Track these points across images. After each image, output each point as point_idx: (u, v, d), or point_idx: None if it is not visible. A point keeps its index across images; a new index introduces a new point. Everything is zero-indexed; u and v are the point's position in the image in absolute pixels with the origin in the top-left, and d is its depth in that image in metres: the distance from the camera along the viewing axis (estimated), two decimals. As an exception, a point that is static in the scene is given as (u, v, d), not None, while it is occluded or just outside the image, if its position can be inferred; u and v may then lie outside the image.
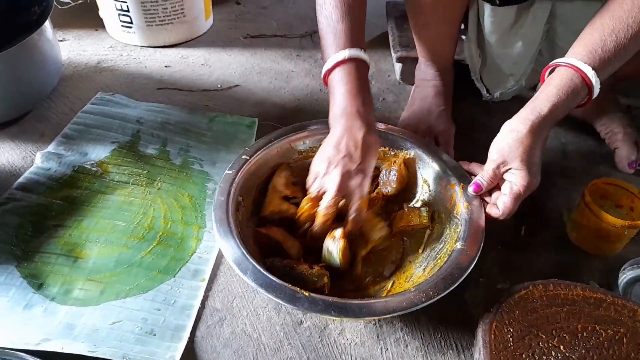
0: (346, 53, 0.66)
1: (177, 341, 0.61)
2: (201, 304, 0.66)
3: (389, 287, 0.65)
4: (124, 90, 1.01)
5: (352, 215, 0.64)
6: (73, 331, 0.61)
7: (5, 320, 0.62)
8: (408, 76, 1.04)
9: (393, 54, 1.04)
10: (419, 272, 0.65)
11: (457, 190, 0.69)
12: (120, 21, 1.11)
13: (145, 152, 0.87)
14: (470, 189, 0.67)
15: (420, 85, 0.94)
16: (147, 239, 0.73)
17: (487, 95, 0.90)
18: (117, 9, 1.09)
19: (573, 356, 0.54)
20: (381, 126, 0.77)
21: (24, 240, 0.71)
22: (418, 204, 0.73)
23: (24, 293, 0.65)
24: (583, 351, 0.55)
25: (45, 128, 0.91)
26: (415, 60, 0.99)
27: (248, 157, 0.70)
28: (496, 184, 0.66)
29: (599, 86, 0.60)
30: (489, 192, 0.67)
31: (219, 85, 1.04)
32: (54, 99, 0.98)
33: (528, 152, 0.61)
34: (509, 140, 0.62)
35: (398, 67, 1.06)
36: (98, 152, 0.86)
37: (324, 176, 0.64)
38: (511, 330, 0.56)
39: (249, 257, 0.58)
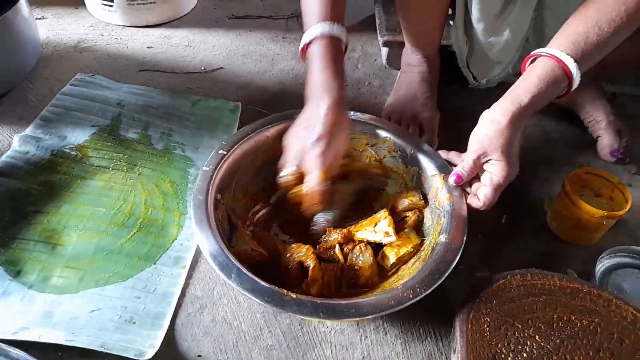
0: (319, 28, 0.64)
1: (157, 329, 0.61)
2: (182, 291, 0.65)
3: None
4: (104, 71, 0.98)
5: (305, 187, 0.62)
6: (51, 319, 0.61)
7: (-19, 308, 0.61)
8: (394, 60, 1.03)
9: (379, 38, 1.03)
10: (405, 266, 0.65)
11: (439, 181, 0.68)
12: (101, 0, 1.08)
13: (126, 137, 0.86)
14: (451, 179, 0.66)
15: (406, 70, 0.93)
16: (127, 225, 0.72)
17: (474, 82, 0.89)
18: (97, -13, 1.06)
19: (548, 346, 0.55)
20: (363, 116, 0.76)
21: (2, 226, 0.70)
22: (405, 202, 0.72)
23: (1, 281, 0.64)
24: (558, 341, 0.55)
25: (24, 110, 0.89)
26: (402, 44, 0.97)
27: (225, 152, 0.69)
28: (476, 174, 0.66)
29: (580, 78, 0.60)
30: (469, 183, 0.67)
31: (202, 68, 1.02)
32: (32, 80, 0.95)
33: (508, 144, 0.61)
34: (489, 131, 0.62)
35: (384, 51, 1.04)
36: (77, 136, 0.84)
37: (286, 152, 0.65)
38: (488, 320, 0.57)
39: (232, 259, 0.57)
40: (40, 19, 1.11)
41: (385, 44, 1.01)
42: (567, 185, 0.70)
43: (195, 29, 1.14)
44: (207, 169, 0.66)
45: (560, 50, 0.59)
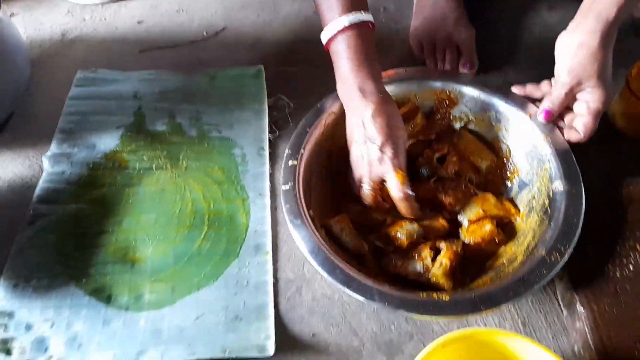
0: (345, 20, 0.59)
1: (265, 320, 0.62)
2: (274, 278, 0.66)
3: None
4: (103, 61, 0.91)
5: (395, 197, 0.61)
6: (161, 336, 0.62)
7: (90, 343, 0.61)
8: (405, -24, 0.95)
9: (385, -45, 0.94)
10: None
11: (526, 120, 0.65)
12: (70, -20, 0.97)
13: (155, 130, 0.81)
14: (540, 117, 0.63)
15: (424, -12, 0.86)
16: (195, 225, 0.71)
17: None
18: (63, -32, 0.94)
19: (650, 253, 0.57)
20: (407, 71, 0.72)
21: (71, 256, 0.69)
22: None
23: (96, 310, 0.64)
24: (658, 246, 0.57)
25: (37, 127, 0.83)
26: (411, -42, 0.90)
27: (296, 162, 0.65)
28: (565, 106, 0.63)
29: None
30: (560, 116, 0.64)
31: (204, 33, 0.95)
32: (32, 91, 0.88)
33: (603, 67, 0.57)
34: (581, 57, 0.58)
35: (392, -32, 0.96)
36: (107, 142, 0.80)
37: (357, 174, 0.64)
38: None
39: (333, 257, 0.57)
40: (11, 16, 1.01)
41: (393, -39, 0.92)
42: (633, 82, 0.68)
43: (179, -12, 1.03)
44: (287, 187, 0.63)
45: None
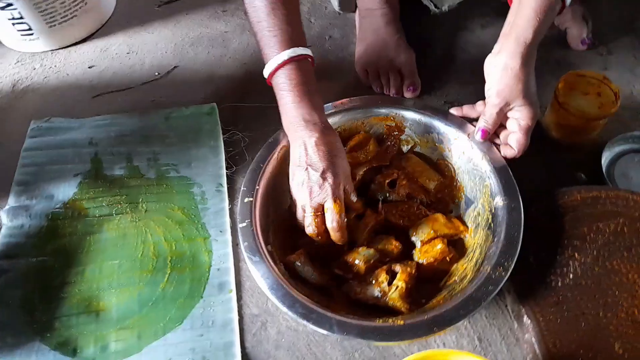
0: (284, 55, 0.61)
1: (232, 358, 0.64)
2: (239, 314, 0.67)
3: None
4: (57, 110, 0.91)
5: (329, 226, 0.62)
6: (130, 385, 0.63)
7: (60, 398, 0.62)
8: (347, 5, 0.98)
9: (326, -14, 0.97)
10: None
11: (465, 141, 0.69)
12: (18, 31, 0.97)
13: (113, 175, 0.82)
14: (477, 136, 0.67)
15: (366, 15, 0.90)
16: (158, 268, 0.72)
17: (436, 10, 0.87)
18: (9, 19, 0.94)
19: (588, 260, 0.60)
20: (358, 101, 0.75)
21: (35, 310, 0.69)
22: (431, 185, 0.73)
23: (63, 364, 0.65)
24: (595, 252, 0.61)
25: (-7, 181, 0.83)
26: (351, -13, 0.93)
27: (251, 199, 0.66)
28: (499, 124, 0.66)
29: None
30: (496, 134, 0.67)
31: (156, 73, 0.96)
32: (-16, 146, 0.88)
33: (527, 87, 0.61)
34: (506, 80, 0.62)
35: (335, -3, 0.99)
36: (64, 191, 0.80)
37: (297, 201, 0.65)
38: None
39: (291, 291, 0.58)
40: (-43, 71, 1.00)
41: (335, -9, 0.96)
42: (560, 95, 0.72)
43: (128, 29, 1.05)
44: (244, 224, 0.64)
45: None
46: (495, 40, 0.66)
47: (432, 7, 0.87)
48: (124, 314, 0.68)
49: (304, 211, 0.64)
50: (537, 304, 0.58)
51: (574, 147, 0.77)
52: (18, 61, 1.01)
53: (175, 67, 0.97)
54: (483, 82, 0.67)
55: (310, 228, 0.63)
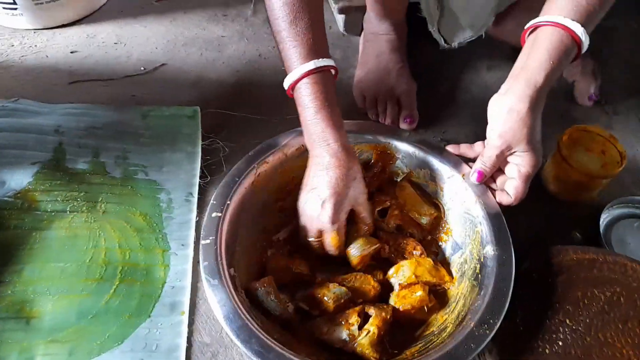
0: (306, 67, 0.58)
1: (172, 392, 0.56)
2: (187, 341, 0.60)
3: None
4: (28, 91, 0.84)
5: (327, 250, 0.62)
6: (49, 409, 0.54)
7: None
8: (353, 27, 0.95)
9: (333, 5, 0.94)
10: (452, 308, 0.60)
11: (459, 181, 0.64)
12: (1, 3, 0.91)
13: (75, 169, 0.75)
14: (473, 177, 0.62)
15: (371, 40, 0.86)
16: (106, 278, 0.64)
17: (445, 45, 0.84)
18: (-8, -10, 0.88)
19: (579, 328, 0.55)
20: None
21: (-42, 308, 0.60)
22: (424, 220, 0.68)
23: (-24, 375, 0.56)
24: (587, 320, 0.55)
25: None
26: (359, 8, 0.90)
27: (220, 214, 0.60)
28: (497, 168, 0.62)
29: (588, 43, 0.55)
30: (492, 178, 0.63)
31: (142, 68, 0.90)
32: (-57, 118, 0.80)
33: (532, 132, 0.57)
34: (511, 123, 0.57)
35: (340, 18, 0.96)
36: (18, 179, 0.72)
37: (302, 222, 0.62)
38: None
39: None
40: None
41: (342, 10, 0.92)
42: (564, 148, 0.68)
43: (120, 20, 0.99)
44: (207, 241, 0.58)
45: (564, 16, 0.54)
46: (500, 84, 0.62)
47: (442, 42, 0.84)
48: (57, 324, 0.60)
49: (306, 233, 0.62)
50: (520, 372, 0.52)
51: (572, 204, 0.73)
52: (-4, 35, 0.94)
53: (163, 64, 0.91)
54: (483, 125, 0.63)
55: (312, 248, 0.63)
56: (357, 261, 0.62)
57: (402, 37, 0.84)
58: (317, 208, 0.59)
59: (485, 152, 0.61)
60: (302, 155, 0.65)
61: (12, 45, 0.93)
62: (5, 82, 0.86)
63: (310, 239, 0.62)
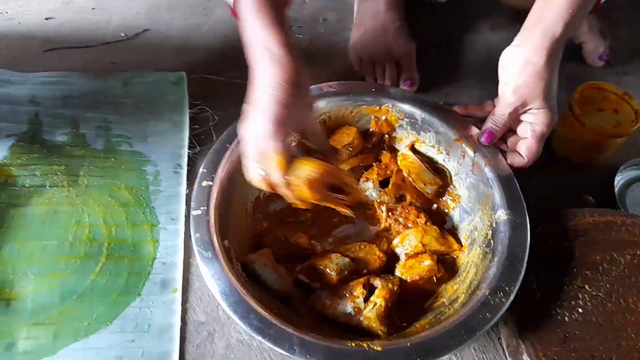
0: None
1: (166, 373, 0.52)
2: (181, 320, 0.56)
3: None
4: (0, 60, 0.78)
5: (273, 182, 0.50)
6: (33, 395, 0.50)
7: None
8: (347, -14, 0.89)
9: (326, -38, 0.88)
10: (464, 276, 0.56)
11: (467, 144, 0.60)
12: (-35, -35, 0.84)
13: (53, 141, 0.69)
14: (483, 138, 0.58)
15: (365, -1, 0.81)
16: (90, 255, 0.59)
17: (435, -1, 0.78)
18: (-46, -51, 0.81)
19: (600, 294, 0.51)
20: (339, 86, 0.65)
21: None
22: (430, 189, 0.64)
23: (-48, 362, 0.52)
24: (607, 285, 0.52)
25: None
26: (353, -33, 0.84)
27: (211, 183, 0.56)
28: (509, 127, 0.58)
29: None
30: (502, 139, 0.59)
31: (122, 34, 0.84)
32: None
33: (548, 87, 0.53)
34: (526, 77, 0.53)
35: (334, -23, 0.90)
36: (-8, 153, 0.67)
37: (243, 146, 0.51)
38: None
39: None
40: None
41: (335, -32, 0.86)
42: (576, 106, 0.64)
43: (98, -16, 0.92)
44: (199, 212, 0.53)
45: None
46: (504, 44, 0.57)
47: None
48: (40, 306, 0.56)
49: (248, 160, 0.50)
50: (539, 341, 0.48)
51: (583, 167, 0.69)
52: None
53: (145, 30, 0.85)
54: (487, 87, 0.60)
55: (256, 183, 0.51)
56: (303, 186, 0.49)
57: (400, -5, 0.79)
58: (258, 128, 0.48)
59: (497, 110, 0.57)
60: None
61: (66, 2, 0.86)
62: (-26, 51, 0.80)
63: (253, 169, 0.50)
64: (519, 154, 0.57)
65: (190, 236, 0.61)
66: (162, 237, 0.62)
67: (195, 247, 0.51)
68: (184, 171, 0.68)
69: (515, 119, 0.57)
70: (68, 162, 0.67)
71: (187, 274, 0.59)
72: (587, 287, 0.52)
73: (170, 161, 0.68)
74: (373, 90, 0.65)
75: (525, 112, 0.56)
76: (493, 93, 0.61)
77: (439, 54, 0.84)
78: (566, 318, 0.50)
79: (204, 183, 0.56)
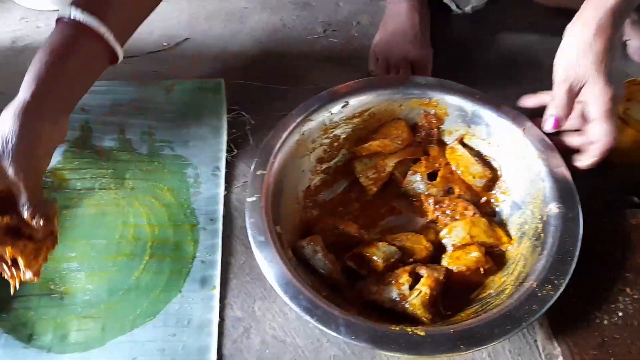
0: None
1: (205, 366, 0.55)
2: (219, 316, 0.58)
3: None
4: (54, 72, 0.84)
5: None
6: (84, 384, 0.54)
7: (1, 390, 0.53)
8: (380, -10, 0.90)
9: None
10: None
11: (519, 135, 0.59)
12: (24, -16, 0.90)
13: (102, 146, 0.74)
14: (549, 125, 0.55)
15: (392, 1, 0.81)
16: (135, 254, 0.63)
17: (457, 10, 0.77)
18: (15, -29, 0.88)
19: (641, 297, 0.50)
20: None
21: (-7, 286, 0.61)
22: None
23: (13, 350, 0.56)
24: (650, 289, 0.50)
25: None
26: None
27: (265, 172, 0.58)
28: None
29: None
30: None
31: (165, 43, 0.88)
32: (-27, 101, 0.81)
33: (599, 59, 0.50)
34: (575, 50, 0.51)
35: (367, -19, 0.91)
36: (47, 158, 0.72)
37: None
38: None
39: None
40: (-41, 21, 0.94)
41: (368, -28, 0.87)
42: (620, 106, 0.62)
43: (142, -4, 0.97)
44: (253, 199, 0.56)
45: None
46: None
47: (453, 6, 0.77)
48: (90, 300, 0.60)
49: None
50: (575, 344, 0.47)
51: (627, 167, 0.67)
52: (22, 18, 0.94)
53: (186, 39, 0.89)
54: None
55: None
56: None
57: (424, 1, 0.79)
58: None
59: (554, 94, 0.54)
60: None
61: (38, 27, 0.92)
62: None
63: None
64: (589, 149, 0.55)
65: (227, 236, 0.64)
66: (201, 236, 0.65)
67: (249, 231, 0.53)
68: (222, 174, 0.70)
69: (573, 98, 0.54)
70: (115, 166, 0.71)
71: (225, 273, 0.62)
72: (628, 290, 0.50)
73: (209, 164, 0.71)
74: (423, 83, 0.66)
75: (580, 90, 0.53)
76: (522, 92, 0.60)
77: (456, 53, 0.83)
78: (605, 321, 0.48)
79: (258, 172, 0.58)
